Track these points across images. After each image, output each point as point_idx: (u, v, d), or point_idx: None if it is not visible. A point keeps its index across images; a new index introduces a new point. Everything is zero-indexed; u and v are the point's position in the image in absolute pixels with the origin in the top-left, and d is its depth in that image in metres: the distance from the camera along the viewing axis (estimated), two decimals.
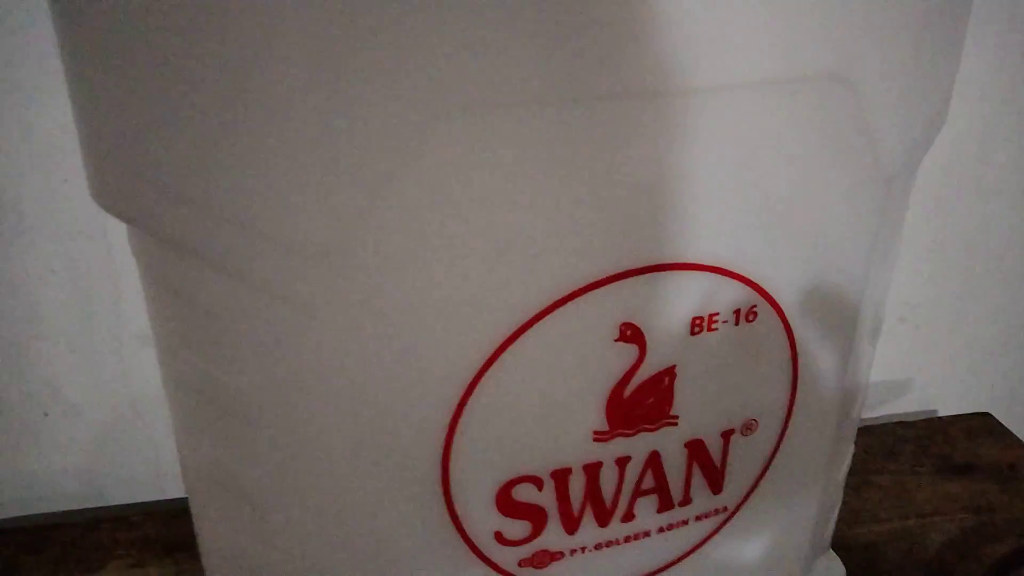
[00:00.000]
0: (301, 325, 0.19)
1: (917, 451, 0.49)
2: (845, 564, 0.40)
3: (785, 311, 0.22)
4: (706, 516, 0.25)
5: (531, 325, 0.20)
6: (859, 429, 0.51)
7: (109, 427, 0.44)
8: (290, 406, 0.20)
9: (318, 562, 0.22)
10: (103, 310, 0.41)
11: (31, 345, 0.41)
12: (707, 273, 0.21)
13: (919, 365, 0.55)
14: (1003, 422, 0.52)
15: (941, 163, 0.49)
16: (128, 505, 0.44)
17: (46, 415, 0.43)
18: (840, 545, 0.41)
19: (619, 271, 0.20)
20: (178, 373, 0.21)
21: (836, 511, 0.32)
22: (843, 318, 0.24)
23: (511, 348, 0.20)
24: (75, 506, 0.44)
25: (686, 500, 0.24)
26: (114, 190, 0.18)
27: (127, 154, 0.18)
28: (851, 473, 0.47)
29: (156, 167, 0.18)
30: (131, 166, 0.18)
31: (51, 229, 0.39)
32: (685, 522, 0.24)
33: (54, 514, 0.43)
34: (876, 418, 0.54)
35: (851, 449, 0.30)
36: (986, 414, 0.52)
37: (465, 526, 0.22)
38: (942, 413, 0.55)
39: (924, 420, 0.51)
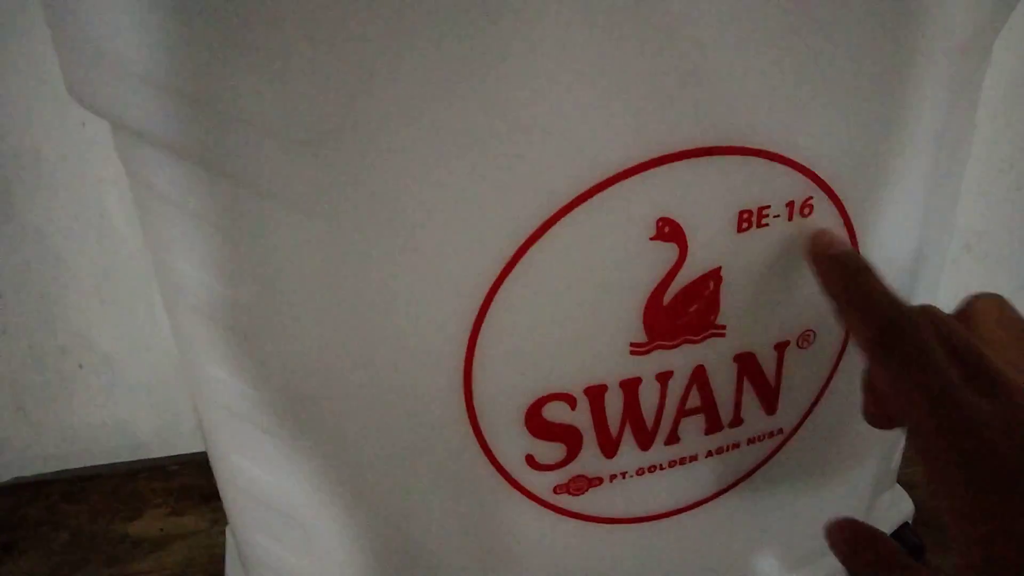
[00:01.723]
0: (298, 226, 0.17)
1: None
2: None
3: (845, 204, 0.20)
4: (759, 439, 0.22)
5: (555, 221, 0.17)
6: None
7: (145, 378, 0.44)
8: (294, 321, 0.18)
9: (343, 493, 0.21)
10: (131, 259, 0.40)
11: (61, 297, 0.41)
12: (756, 159, 0.18)
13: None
14: None
15: (1013, 78, 0.45)
16: (166, 457, 0.44)
17: (81, 367, 0.43)
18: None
19: (652, 157, 0.17)
20: (175, 288, 0.19)
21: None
22: (909, 213, 0.22)
23: (533, 248, 0.18)
24: (114, 458, 0.44)
25: (736, 421, 0.22)
26: (90, 83, 0.17)
27: (101, 44, 0.16)
28: None
29: (131, 57, 0.16)
30: (106, 57, 0.16)
31: (72, 177, 0.38)
32: (736, 446, 0.22)
33: (93, 466, 0.43)
34: None
35: None
36: None
37: (493, 448, 0.20)
38: None
39: None
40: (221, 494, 0.24)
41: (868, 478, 0.27)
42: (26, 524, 0.37)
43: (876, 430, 0.26)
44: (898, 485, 0.31)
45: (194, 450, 0.44)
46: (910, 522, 0.31)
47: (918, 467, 0.43)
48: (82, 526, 0.37)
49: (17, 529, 0.37)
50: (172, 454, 0.44)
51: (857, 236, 0.21)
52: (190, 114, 0.16)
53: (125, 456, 0.44)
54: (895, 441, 0.28)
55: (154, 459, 0.42)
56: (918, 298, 0.23)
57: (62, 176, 0.38)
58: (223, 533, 0.34)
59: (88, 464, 0.43)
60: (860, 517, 0.27)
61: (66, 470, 0.43)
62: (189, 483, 0.39)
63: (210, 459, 0.23)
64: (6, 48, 0.36)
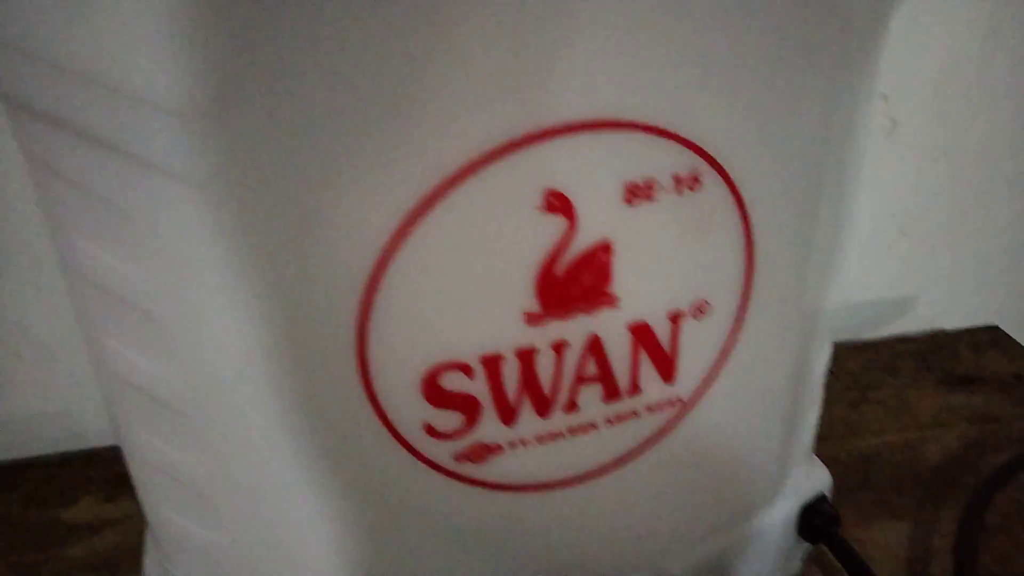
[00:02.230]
0: (188, 201, 0.17)
1: (919, 365, 0.47)
2: (839, 477, 0.38)
3: (734, 179, 0.20)
4: (659, 408, 0.23)
5: (443, 193, 0.18)
6: (859, 345, 0.49)
7: (84, 368, 0.43)
8: (189, 296, 0.18)
9: (241, 466, 0.21)
10: None
11: None
12: (640, 134, 0.19)
13: (923, 281, 0.53)
14: (1012, 336, 0.50)
15: (942, 64, 0.46)
16: (103, 446, 0.43)
17: (20, 357, 0.43)
18: (834, 459, 0.39)
19: (539, 130, 0.18)
20: (75, 265, 0.19)
21: (815, 414, 0.30)
22: (804, 189, 0.22)
23: (423, 220, 0.18)
24: (53, 448, 0.43)
25: (634, 390, 0.22)
26: None
27: None
28: (848, 388, 0.45)
29: (5, 23, 0.16)
30: None
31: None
32: (636, 413, 0.23)
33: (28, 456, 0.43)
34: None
35: (827, 346, 0.28)
36: (993, 327, 0.50)
37: (391, 417, 0.20)
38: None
39: (928, 335, 0.49)
40: (129, 471, 0.24)
41: (778, 449, 0.28)
42: None
43: (781, 402, 0.27)
44: (815, 458, 0.32)
45: None
46: (827, 495, 0.32)
47: (839, 444, 0.44)
48: (14, 513, 0.37)
49: None
50: (112, 444, 0.44)
51: (748, 213, 0.21)
52: (80, 88, 0.16)
53: (65, 446, 0.44)
54: (806, 415, 0.29)
55: (91, 448, 0.42)
56: (816, 254, 0.24)
57: None
58: None
59: (28, 455, 0.43)
60: (771, 488, 0.28)
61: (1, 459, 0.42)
62: (124, 471, 0.39)
63: (117, 438, 0.23)
64: None
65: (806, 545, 0.33)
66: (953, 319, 0.52)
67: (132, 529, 0.36)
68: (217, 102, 0.16)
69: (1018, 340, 0.49)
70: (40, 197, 0.19)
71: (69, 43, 0.16)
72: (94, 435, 0.44)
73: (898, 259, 0.52)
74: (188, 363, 0.20)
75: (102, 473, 0.40)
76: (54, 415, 0.44)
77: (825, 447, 0.40)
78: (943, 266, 0.52)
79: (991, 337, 0.49)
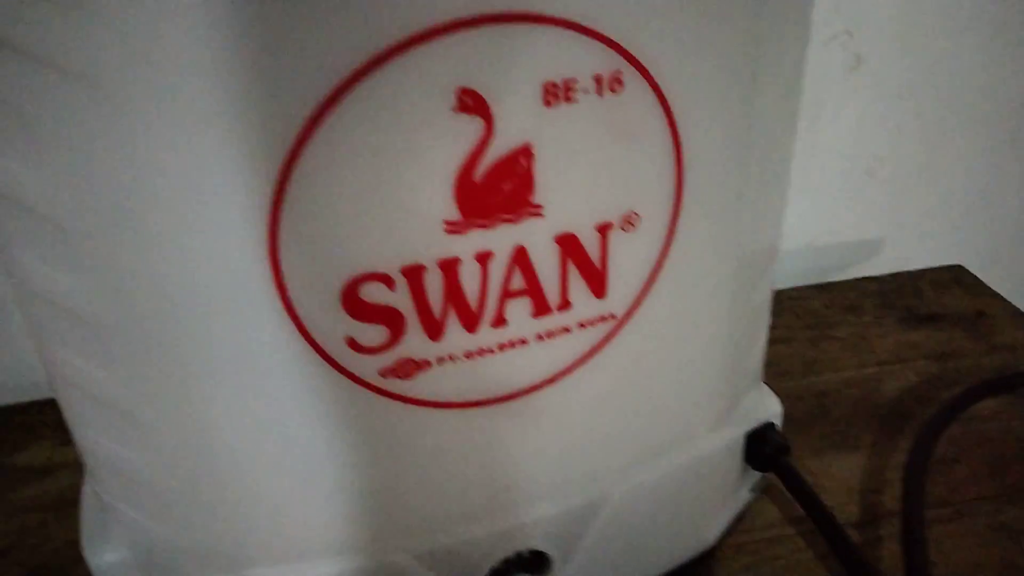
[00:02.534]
0: (89, 103, 0.17)
1: (881, 304, 0.47)
2: (796, 411, 0.39)
3: (657, 80, 0.20)
4: (591, 323, 0.23)
5: (346, 90, 0.17)
6: (821, 286, 0.49)
7: None
8: (95, 204, 0.18)
9: (163, 384, 0.21)
10: None
11: None
12: (555, 28, 0.18)
13: (889, 223, 0.53)
14: (977, 275, 0.50)
15: (904, 6, 0.45)
16: None
17: None
18: (792, 394, 0.40)
19: (444, 22, 0.17)
20: None
21: (762, 343, 0.30)
22: (735, 98, 0.22)
23: (328, 119, 0.17)
24: (10, 400, 0.43)
25: (564, 304, 0.22)
26: None
27: None
28: (810, 327, 0.45)
29: None
30: None
31: None
32: (567, 329, 0.23)
33: None
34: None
35: (770, 270, 0.28)
36: (957, 266, 0.50)
37: (310, 330, 0.20)
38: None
39: (892, 275, 0.49)
40: (57, 397, 0.23)
41: (719, 374, 0.27)
42: None
43: (720, 325, 0.26)
44: (765, 386, 0.32)
45: None
46: (777, 424, 0.32)
47: (798, 380, 0.44)
48: None
49: None
50: None
51: (675, 119, 0.21)
52: None
53: (20, 396, 0.43)
54: (750, 342, 0.29)
55: (47, 398, 0.42)
56: (754, 168, 0.24)
57: None
58: None
59: None
60: (715, 413, 0.28)
61: None
62: None
63: (42, 361, 0.23)
64: None
65: (756, 475, 0.33)
66: (919, 260, 0.52)
67: (83, 471, 0.36)
68: None
69: (981, 279, 0.49)
70: None
71: None
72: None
73: (864, 201, 0.51)
74: (101, 276, 0.19)
75: (56, 418, 0.39)
76: (11, 366, 0.44)
77: (784, 383, 0.40)
78: (909, 207, 0.52)
79: (954, 276, 0.49)
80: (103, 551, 0.25)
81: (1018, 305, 0.46)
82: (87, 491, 0.27)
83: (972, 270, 0.50)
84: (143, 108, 0.17)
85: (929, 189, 0.52)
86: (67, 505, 0.34)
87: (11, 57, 0.17)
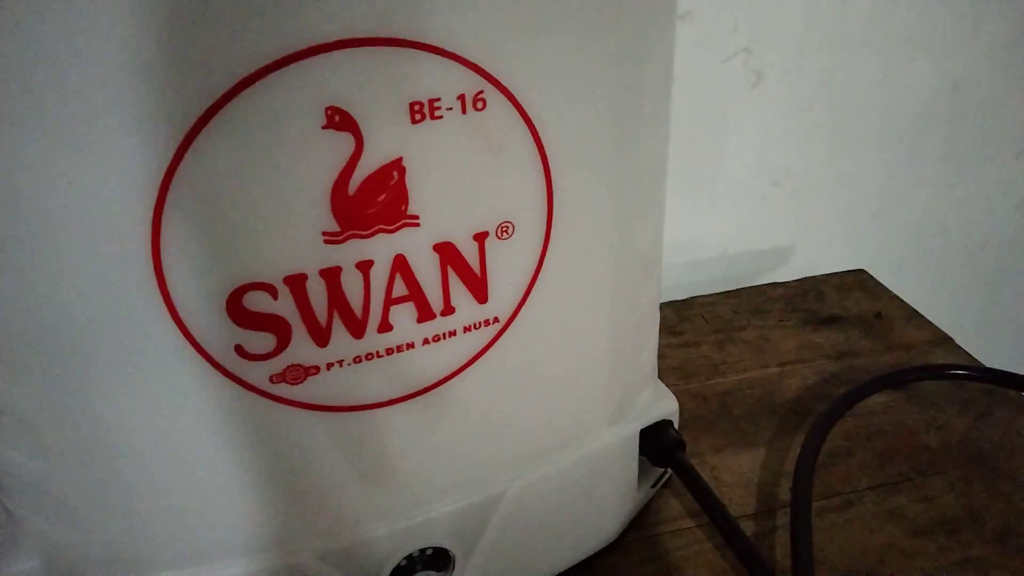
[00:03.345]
0: None
1: (786, 308, 0.49)
2: (699, 411, 0.41)
3: (519, 98, 0.22)
4: (475, 327, 0.24)
5: (220, 107, 0.18)
6: (730, 292, 0.51)
7: None
8: None
9: (58, 391, 0.21)
10: None
11: None
12: (419, 52, 0.20)
13: (798, 230, 0.55)
14: (881, 280, 0.52)
15: (800, 17, 0.48)
16: None
17: None
18: (696, 394, 0.42)
19: (309, 45, 0.19)
20: None
21: (652, 343, 0.32)
22: (601, 105, 0.23)
23: (201, 137, 0.19)
24: None
25: (448, 309, 0.24)
26: None
27: None
28: (716, 331, 0.47)
29: None
30: None
31: None
32: (453, 333, 0.24)
33: None
34: None
35: (656, 274, 0.30)
36: (860, 271, 0.53)
37: (199, 340, 0.21)
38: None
39: (798, 280, 0.52)
40: None
41: (610, 373, 0.29)
42: None
43: (605, 327, 0.28)
44: (661, 383, 0.34)
45: None
46: (674, 421, 0.33)
47: (703, 381, 0.46)
48: None
49: None
50: None
51: (540, 135, 0.22)
52: None
53: None
54: (638, 343, 0.30)
55: None
56: (627, 179, 0.25)
57: None
58: None
59: None
60: (607, 410, 0.30)
61: None
62: None
63: None
64: None
65: (657, 471, 0.34)
66: (826, 266, 0.55)
67: None
68: None
69: (883, 282, 0.52)
70: None
71: None
72: None
73: (772, 210, 0.54)
74: None
75: None
76: None
77: (690, 384, 0.42)
78: (816, 215, 0.55)
79: (857, 279, 0.52)
80: (12, 561, 0.25)
81: (916, 307, 0.49)
82: None
83: (874, 274, 0.53)
84: (30, 116, 0.18)
85: (833, 198, 0.55)
86: None
87: None
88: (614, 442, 0.30)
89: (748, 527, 0.34)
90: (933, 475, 0.37)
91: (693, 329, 0.46)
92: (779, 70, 0.49)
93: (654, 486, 0.35)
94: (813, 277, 0.52)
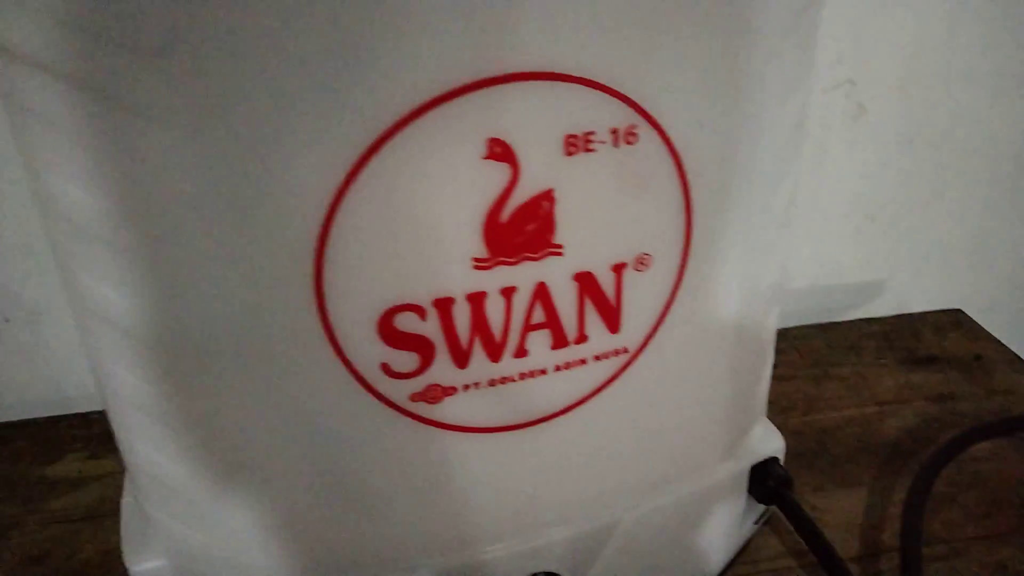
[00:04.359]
0: (145, 133, 0.18)
1: (882, 345, 0.48)
2: (797, 447, 0.40)
3: (668, 133, 0.22)
4: (605, 356, 0.25)
5: (388, 138, 0.19)
6: (823, 326, 0.50)
7: (72, 333, 0.45)
8: (148, 228, 0.20)
9: (203, 399, 0.22)
10: None
11: None
12: (576, 86, 0.20)
13: (890, 265, 0.54)
14: (976, 319, 0.51)
15: (907, 50, 0.48)
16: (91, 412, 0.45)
17: (7, 321, 0.44)
18: (794, 430, 0.41)
19: (478, 79, 0.19)
20: (47, 199, 0.21)
21: (766, 378, 0.31)
22: (742, 145, 0.24)
23: (371, 164, 0.19)
24: (41, 413, 0.45)
25: (581, 338, 0.24)
26: None
27: None
28: (812, 366, 0.47)
29: None
30: None
31: None
32: (583, 361, 0.24)
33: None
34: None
35: (774, 309, 0.30)
36: (957, 310, 0.52)
37: (349, 356, 0.22)
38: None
39: (893, 317, 0.51)
40: (106, 409, 0.25)
41: (726, 407, 0.29)
42: None
43: (726, 360, 0.28)
44: (770, 423, 0.34)
45: None
46: (780, 459, 0.33)
47: (800, 417, 0.45)
48: (3, 469, 0.38)
49: None
50: (100, 408, 0.45)
51: (685, 169, 0.23)
52: (58, 32, 0.18)
53: (52, 410, 0.45)
54: (754, 377, 0.30)
55: (78, 412, 0.44)
56: (758, 213, 0.25)
57: None
58: None
59: (15, 418, 0.44)
60: (720, 445, 0.30)
61: None
62: (108, 430, 0.41)
63: (95, 376, 0.25)
64: None
65: (759, 508, 0.34)
66: (918, 303, 0.53)
67: (114, 483, 0.37)
68: (180, 41, 0.17)
69: (980, 323, 0.50)
70: (19, 142, 0.21)
71: None
72: (82, 401, 0.45)
73: (866, 244, 0.53)
74: (153, 295, 0.21)
75: (86, 432, 0.41)
76: (40, 381, 0.46)
77: (787, 420, 0.42)
78: (909, 251, 0.54)
79: (954, 320, 0.50)
80: (143, 559, 0.26)
81: (1016, 350, 0.48)
82: (127, 500, 0.28)
83: (971, 314, 0.51)
84: (202, 149, 0.19)
85: (929, 234, 0.54)
86: (97, 516, 0.36)
87: (83, 94, 0.19)
88: (725, 477, 0.30)
89: (853, 571, 0.33)
90: None
91: (788, 362, 0.46)
92: (882, 103, 0.49)
93: (756, 522, 0.34)
94: (908, 315, 0.51)
